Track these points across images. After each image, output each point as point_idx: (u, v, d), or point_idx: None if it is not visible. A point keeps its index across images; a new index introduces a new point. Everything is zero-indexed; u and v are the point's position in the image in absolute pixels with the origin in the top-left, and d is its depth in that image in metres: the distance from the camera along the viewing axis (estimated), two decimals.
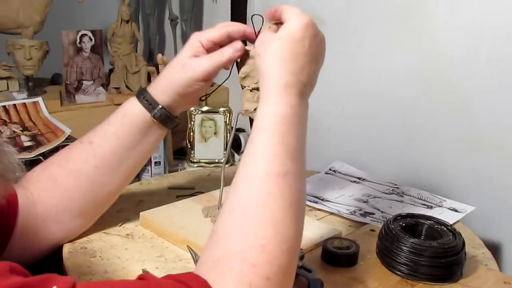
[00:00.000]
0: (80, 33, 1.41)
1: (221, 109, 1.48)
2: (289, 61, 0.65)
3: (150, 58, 1.80)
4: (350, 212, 1.03)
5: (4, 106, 1.29)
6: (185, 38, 1.76)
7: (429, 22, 1.16)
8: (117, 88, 1.52)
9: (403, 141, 1.26)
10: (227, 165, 1.19)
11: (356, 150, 1.34)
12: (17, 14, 1.39)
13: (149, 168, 1.32)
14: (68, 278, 0.50)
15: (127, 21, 1.49)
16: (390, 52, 1.24)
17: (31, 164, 1.11)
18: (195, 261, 0.78)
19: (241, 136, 1.56)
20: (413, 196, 1.11)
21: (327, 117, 1.37)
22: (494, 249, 1.07)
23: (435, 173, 1.21)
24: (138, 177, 1.19)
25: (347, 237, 0.89)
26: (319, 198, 1.08)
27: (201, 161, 1.48)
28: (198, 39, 0.79)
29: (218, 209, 0.92)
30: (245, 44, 0.79)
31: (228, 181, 0.97)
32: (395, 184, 1.17)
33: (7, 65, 1.38)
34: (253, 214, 0.59)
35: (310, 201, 1.06)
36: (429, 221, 0.85)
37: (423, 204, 1.08)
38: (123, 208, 0.97)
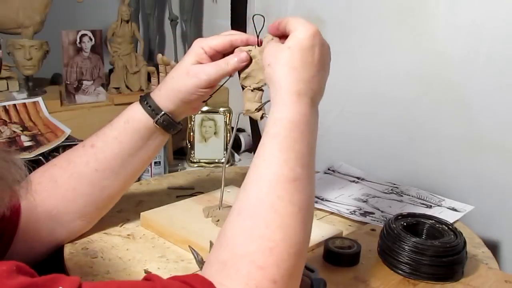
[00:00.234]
0: (80, 33, 1.41)
1: (221, 109, 1.48)
2: (300, 70, 0.66)
3: (150, 58, 1.80)
4: (350, 212, 1.03)
5: (4, 106, 1.29)
6: (185, 38, 1.76)
7: (429, 22, 1.17)
8: (117, 88, 1.51)
9: (403, 141, 1.26)
10: (227, 165, 1.19)
11: (356, 150, 1.34)
12: (17, 14, 1.39)
13: (149, 168, 1.32)
14: (74, 278, 0.50)
15: (127, 21, 1.49)
16: (390, 52, 1.25)
17: (31, 164, 1.12)
18: (197, 261, 0.78)
19: (241, 136, 1.56)
20: (412, 196, 1.11)
21: (327, 117, 1.37)
22: (493, 248, 1.07)
23: (435, 172, 1.21)
24: (138, 177, 1.19)
25: (348, 236, 0.89)
26: (319, 198, 1.08)
27: (201, 161, 1.48)
28: (200, 46, 0.79)
29: (219, 209, 0.92)
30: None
31: (228, 181, 0.98)
32: (394, 184, 1.17)
33: (7, 65, 1.38)
34: (262, 217, 0.60)
35: None
36: (430, 221, 0.86)
37: (423, 204, 1.08)
38: (123, 209, 0.97)
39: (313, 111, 0.67)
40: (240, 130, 1.58)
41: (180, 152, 1.52)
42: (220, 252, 0.59)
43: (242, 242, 0.59)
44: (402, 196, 1.12)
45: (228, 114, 1.48)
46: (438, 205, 1.07)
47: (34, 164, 1.06)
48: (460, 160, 1.16)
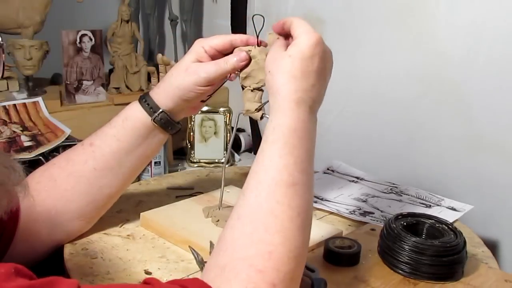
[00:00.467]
0: (80, 33, 1.41)
1: (221, 109, 1.48)
2: (300, 79, 0.66)
3: (150, 58, 1.80)
4: (350, 212, 1.03)
5: (4, 106, 1.29)
6: (185, 38, 1.76)
7: (429, 22, 1.17)
8: (117, 88, 1.51)
9: (403, 141, 1.26)
10: (227, 165, 1.19)
11: (356, 150, 1.34)
12: (17, 14, 1.39)
13: (149, 168, 1.32)
14: (72, 281, 0.50)
15: (127, 21, 1.49)
16: (390, 52, 1.25)
17: (31, 164, 1.12)
18: (197, 262, 0.78)
19: (241, 136, 1.56)
20: (411, 195, 1.11)
21: (327, 117, 1.37)
22: (493, 247, 1.07)
23: (435, 172, 1.21)
24: (138, 177, 1.19)
25: (348, 236, 0.89)
26: (318, 198, 1.08)
27: (201, 161, 1.48)
28: (201, 45, 0.79)
29: (219, 209, 0.92)
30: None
31: (227, 181, 0.98)
32: (394, 184, 1.17)
33: (7, 65, 1.38)
34: (261, 222, 0.60)
35: None
36: (430, 220, 0.86)
37: (422, 203, 1.08)
38: (122, 209, 0.97)
39: (312, 118, 0.67)
40: (240, 130, 1.58)
41: (180, 152, 1.52)
42: (219, 256, 0.60)
43: (241, 246, 0.59)
44: (401, 195, 1.12)
45: (228, 114, 1.48)
46: (438, 205, 1.07)
47: (34, 164, 1.06)
48: (460, 160, 1.16)
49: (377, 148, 1.31)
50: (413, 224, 0.85)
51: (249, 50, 0.77)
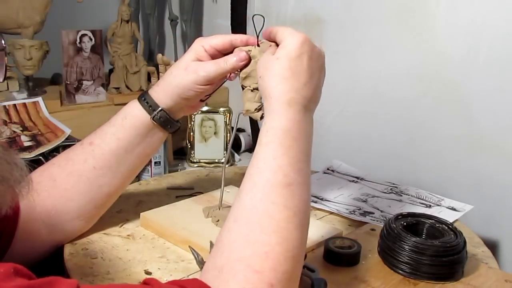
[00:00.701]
0: (80, 33, 1.41)
1: (221, 109, 1.48)
2: (290, 79, 0.67)
3: (150, 58, 1.80)
4: (350, 212, 1.03)
5: (4, 106, 1.29)
6: (185, 38, 1.76)
7: (429, 22, 1.17)
8: (117, 88, 1.52)
9: (403, 141, 1.26)
10: (227, 165, 1.19)
11: (356, 150, 1.34)
12: (17, 14, 1.40)
13: (149, 168, 1.32)
14: (72, 281, 0.50)
15: (127, 21, 1.49)
16: (390, 52, 1.25)
17: (31, 164, 1.12)
18: (197, 262, 0.78)
19: (241, 136, 1.56)
20: (411, 195, 1.11)
21: (327, 117, 1.37)
22: (493, 247, 1.07)
23: (435, 172, 1.21)
24: (138, 177, 1.19)
25: (348, 236, 0.89)
26: (318, 198, 1.08)
27: (201, 161, 1.48)
28: (201, 44, 0.79)
29: (219, 209, 0.92)
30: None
31: (228, 181, 0.98)
32: (394, 184, 1.17)
33: (8, 65, 1.38)
34: (257, 223, 0.60)
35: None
36: (430, 220, 0.86)
37: (422, 203, 1.08)
38: (122, 209, 0.97)
39: (306, 117, 0.67)
40: (240, 130, 1.58)
41: (180, 152, 1.52)
42: (216, 258, 0.60)
43: (238, 247, 0.59)
44: (401, 195, 1.12)
45: (228, 114, 1.48)
46: (438, 205, 1.07)
47: (34, 164, 1.06)
48: (460, 160, 1.16)
49: (377, 148, 1.31)
50: (413, 224, 0.85)
51: (249, 50, 0.77)
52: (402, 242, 0.79)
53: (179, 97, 0.80)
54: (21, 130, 1.26)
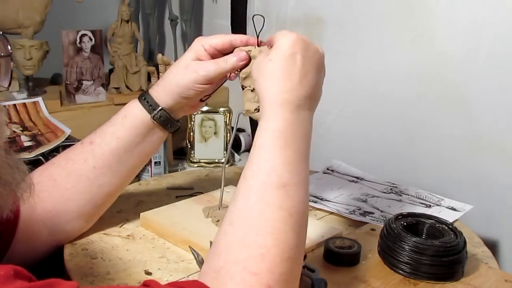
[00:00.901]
0: (80, 33, 1.41)
1: (221, 109, 1.48)
2: (283, 80, 0.66)
3: (150, 58, 1.80)
4: (350, 212, 1.03)
5: (4, 106, 1.29)
6: (185, 38, 1.76)
7: (429, 22, 1.17)
8: (117, 88, 1.52)
9: (403, 140, 1.26)
10: (227, 165, 1.19)
11: (356, 150, 1.34)
12: (17, 14, 1.40)
13: (149, 168, 1.32)
14: (72, 283, 0.50)
15: (127, 21, 1.49)
16: (390, 52, 1.25)
17: (31, 164, 1.12)
18: (198, 262, 0.78)
19: (241, 136, 1.56)
20: (411, 195, 1.11)
21: (327, 117, 1.37)
22: (493, 247, 1.07)
23: (435, 172, 1.21)
24: (138, 177, 1.20)
25: (348, 236, 0.89)
26: (318, 198, 1.08)
27: (201, 161, 1.48)
28: (201, 43, 0.79)
29: (219, 209, 0.92)
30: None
31: (227, 181, 0.98)
32: (393, 183, 1.17)
33: None
34: (252, 225, 0.60)
35: (309, 201, 1.06)
36: (430, 220, 0.86)
37: (422, 203, 1.08)
38: (122, 209, 0.97)
39: (302, 116, 0.67)
40: (240, 130, 1.58)
41: (180, 152, 1.53)
42: (213, 261, 0.60)
43: (235, 249, 0.59)
44: (401, 195, 1.12)
45: (228, 114, 1.48)
46: (437, 205, 1.07)
47: (34, 164, 1.06)
48: (460, 159, 1.16)
49: (377, 147, 1.31)
50: (413, 224, 0.85)
51: (249, 50, 0.77)
52: (402, 242, 0.79)
53: (179, 96, 0.80)
54: (21, 130, 1.26)
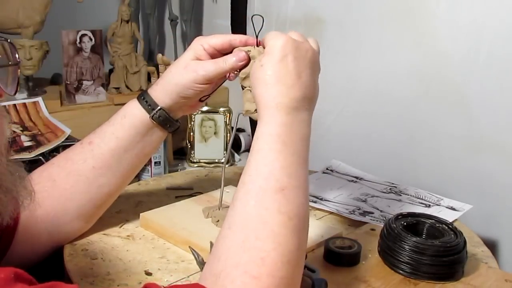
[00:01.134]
0: (80, 33, 1.41)
1: (221, 109, 1.48)
2: (276, 84, 0.67)
3: (150, 58, 1.80)
4: (349, 212, 1.03)
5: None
6: (185, 38, 1.76)
7: (430, 21, 1.16)
8: (117, 88, 1.52)
9: (403, 140, 1.26)
10: (227, 165, 1.19)
11: (356, 150, 1.34)
12: (17, 14, 1.40)
13: (149, 168, 1.32)
14: (73, 286, 0.49)
15: (127, 21, 1.49)
16: (390, 52, 1.25)
17: (31, 164, 1.12)
18: (198, 262, 0.78)
19: (241, 136, 1.56)
20: (411, 195, 1.11)
21: (327, 117, 1.37)
22: (493, 247, 1.07)
23: (435, 172, 1.21)
24: (137, 177, 1.19)
25: (348, 236, 0.89)
26: (318, 198, 1.08)
27: (201, 161, 1.48)
28: (200, 43, 0.79)
29: (219, 209, 0.92)
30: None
31: (227, 181, 0.98)
32: (393, 183, 1.17)
33: None
34: (252, 229, 0.60)
35: (309, 201, 1.06)
36: (430, 220, 0.86)
37: (421, 203, 1.08)
38: (122, 209, 0.96)
39: (299, 118, 0.67)
40: (240, 130, 1.58)
41: (180, 152, 1.52)
42: (213, 265, 0.60)
43: (234, 253, 0.59)
44: (400, 195, 1.12)
45: (228, 114, 1.48)
46: (437, 204, 1.07)
47: (34, 164, 1.06)
48: (460, 159, 1.16)
49: (377, 147, 1.31)
50: (413, 224, 0.85)
51: (249, 51, 0.77)
52: (402, 242, 0.79)
53: (178, 96, 0.80)
54: (21, 130, 1.26)
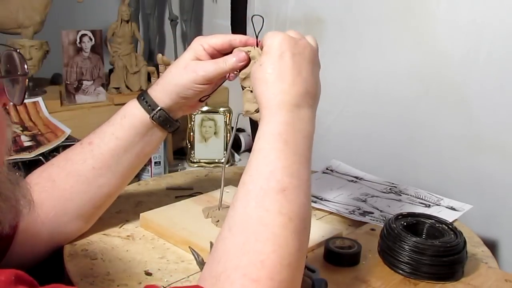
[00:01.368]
0: (80, 33, 1.41)
1: (221, 109, 1.48)
2: (275, 82, 0.66)
3: (150, 58, 1.80)
4: (349, 212, 1.03)
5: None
6: (185, 38, 1.76)
7: (430, 22, 1.16)
8: (117, 88, 1.52)
9: (403, 141, 1.26)
10: (227, 165, 1.19)
11: (356, 150, 1.34)
12: (17, 14, 1.40)
13: (149, 168, 1.32)
14: None
15: (127, 21, 1.49)
16: (390, 52, 1.25)
17: (31, 164, 1.12)
18: (198, 262, 0.78)
19: (241, 136, 1.56)
20: (410, 195, 1.11)
21: (327, 117, 1.37)
22: (493, 247, 1.07)
23: (435, 172, 1.21)
24: (137, 178, 1.20)
25: (348, 236, 0.89)
26: (318, 198, 1.08)
27: (201, 161, 1.48)
28: (200, 43, 0.79)
29: (219, 209, 0.92)
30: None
31: (227, 182, 0.98)
32: (393, 183, 1.17)
33: None
34: (252, 231, 0.60)
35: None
36: (430, 220, 0.86)
37: (421, 203, 1.08)
38: (122, 209, 0.96)
39: (302, 115, 0.66)
40: (240, 130, 1.58)
41: (180, 152, 1.53)
42: (213, 266, 0.59)
43: (234, 256, 0.58)
44: (400, 195, 1.12)
45: (228, 114, 1.48)
46: (437, 204, 1.07)
47: (34, 164, 1.06)
48: (460, 159, 1.16)
49: (377, 147, 1.31)
50: (413, 224, 0.85)
51: (249, 51, 0.77)
52: (402, 242, 0.79)
53: (178, 96, 0.80)
54: (21, 130, 1.26)
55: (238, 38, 0.79)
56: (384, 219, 0.99)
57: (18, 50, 0.58)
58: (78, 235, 0.85)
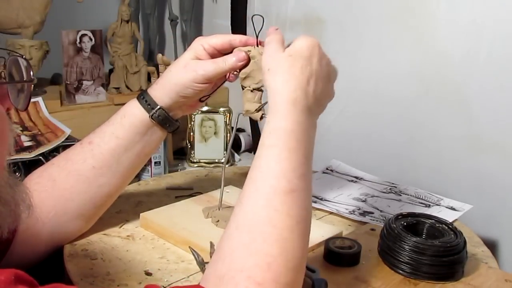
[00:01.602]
0: (80, 33, 1.41)
1: (221, 109, 1.48)
2: (299, 77, 0.66)
3: (150, 58, 1.80)
4: (349, 212, 1.03)
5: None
6: (185, 38, 1.76)
7: (430, 22, 1.17)
8: (117, 88, 1.52)
9: (403, 141, 1.26)
10: (227, 165, 1.19)
11: (356, 150, 1.34)
12: (17, 14, 1.39)
13: (149, 168, 1.32)
14: None
15: (127, 21, 1.49)
16: (390, 52, 1.25)
17: (31, 164, 1.12)
18: (198, 262, 0.78)
19: (241, 136, 1.56)
20: (410, 195, 1.11)
21: (327, 117, 1.35)
22: (493, 247, 1.07)
23: (435, 172, 1.21)
24: (138, 177, 1.20)
25: (348, 236, 0.89)
26: (318, 198, 1.08)
27: (201, 161, 1.48)
28: (200, 43, 0.79)
29: (219, 209, 0.92)
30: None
31: (227, 182, 0.98)
32: (393, 183, 1.17)
33: None
34: (259, 232, 0.59)
35: None
36: (430, 220, 0.86)
37: (421, 203, 1.08)
38: (122, 209, 0.97)
39: (310, 119, 0.67)
40: (240, 130, 1.58)
41: (180, 152, 1.53)
42: (217, 266, 0.59)
43: (240, 257, 0.58)
44: (400, 195, 1.12)
45: (228, 114, 1.48)
46: (437, 204, 1.07)
47: (34, 164, 1.06)
48: (460, 160, 1.16)
49: (377, 147, 1.31)
50: (413, 224, 0.85)
51: (249, 51, 0.77)
52: (402, 242, 0.79)
53: (178, 95, 0.80)
54: (21, 130, 1.26)
55: (238, 38, 0.79)
56: (384, 219, 0.99)
57: (24, 56, 0.58)
58: (78, 235, 0.86)
